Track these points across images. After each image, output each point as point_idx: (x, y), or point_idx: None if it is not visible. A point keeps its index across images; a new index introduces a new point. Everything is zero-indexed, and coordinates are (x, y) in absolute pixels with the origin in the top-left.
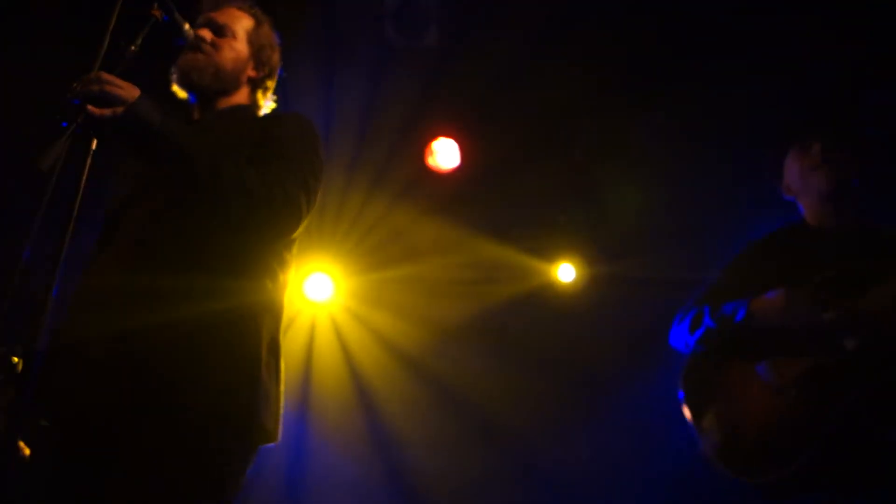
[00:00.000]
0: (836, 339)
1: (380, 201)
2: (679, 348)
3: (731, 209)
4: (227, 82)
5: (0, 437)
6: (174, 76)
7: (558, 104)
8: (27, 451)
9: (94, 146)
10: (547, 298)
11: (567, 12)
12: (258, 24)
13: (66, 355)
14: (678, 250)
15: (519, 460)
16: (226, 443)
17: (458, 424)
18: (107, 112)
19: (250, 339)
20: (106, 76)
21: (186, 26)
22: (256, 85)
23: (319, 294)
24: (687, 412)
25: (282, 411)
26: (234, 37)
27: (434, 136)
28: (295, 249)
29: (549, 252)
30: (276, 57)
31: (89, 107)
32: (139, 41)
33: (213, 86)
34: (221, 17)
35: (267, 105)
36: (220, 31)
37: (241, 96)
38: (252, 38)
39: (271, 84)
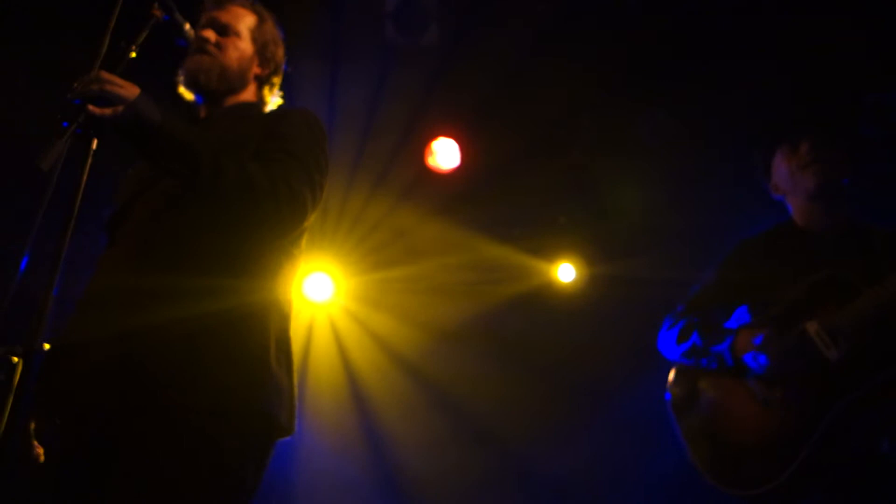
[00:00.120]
0: (819, 352)
1: (380, 201)
2: (666, 355)
3: (732, 209)
4: (234, 81)
5: (0, 437)
6: (181, 79)
7: (558, 104)
8: (41, 451)
9: (94, 146)
10: (547, 298)
11: (567, 12)
12: (261, 20)
13: (70, 355)
14: (679, 250)
15: (519, 462)
16: (239, 440)
17: (456, 426)
18: (107, 111)
19: (258, 335)
20: (106, 75)
21: (187, 26)
22: (263, 82)
23: (320, 294)
24: (674, 419)
25: (296, 405)
26: (237, 35)
27: (434, 136)
28: (303, 244)
29: (549, 252)
30: (280, 52)
31: (90, 106)
32: (140, 41)
33: (220, 86)
34: (224, 15)
35: (273, 101)
36: (224, 30)
37: (247, 94)
38: (256, 36)
39: (277, 80)
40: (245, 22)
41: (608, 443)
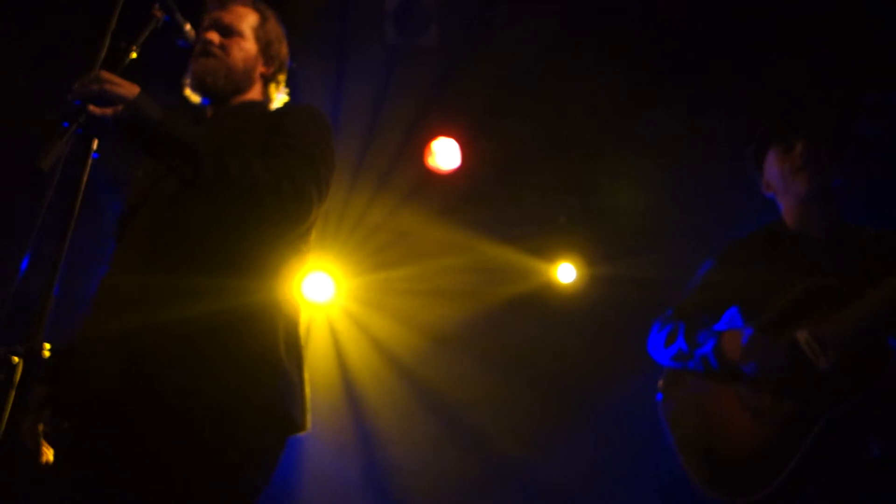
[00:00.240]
0: (809, 362)
1: (382, 202)
2: (656, 359)
3: (733, 209)
4: (240, 82)
5: (2, 436)
6: (188, 83)
7: (559, 104)
8: (51, 453)
9: (94, 146)
10: (547, 299)
11: (568, 12)
12: (264, 19)
13: (79, 354)
14: (679, 250)
15: (519, 464)
16: (247, 438)
17: (455, 428)
18: (107, 111)
19: (266, 332)
20: (105, 75)
21: (188, 26)
22: (268, 80)
23: (320, 295)
24: (665, 423)
25: (309, 400)
26: (241, 36)
27: (434, 137)
28: (312, 239)
29: (549, 252)
30: (284, 50)
31: (90, 106)
32: (140, 41)
33: (226, 87)
34: (227, 16)
35: (279, 98)
36: (227, 31)
37: (254, 93)
38: (259, 35)
39: (282, 77)
40: (248, 21)
41: (609, 442)
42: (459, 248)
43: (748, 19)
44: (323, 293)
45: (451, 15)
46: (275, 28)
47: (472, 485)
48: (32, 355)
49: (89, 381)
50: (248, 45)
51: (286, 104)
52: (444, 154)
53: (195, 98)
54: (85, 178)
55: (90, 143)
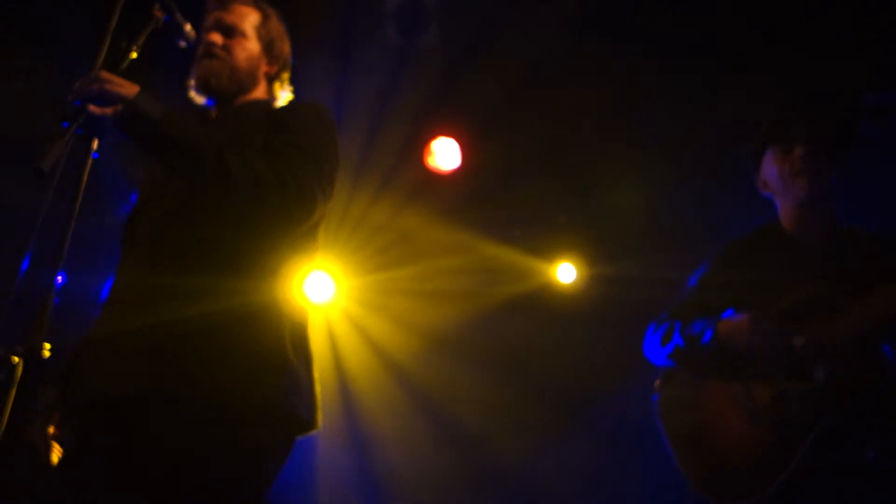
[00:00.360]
0: (806, 368)
1: (382, 202)
2: (652, 360)
3: (733, 209)
4: (244, 82)
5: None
6: (193, 85)
7: (559, 104)
8: (59, 452)
9: (94, 146)
10: (547, 299)
11: (567, 12)
12: (265, 17)
13: (88, 353)
14: (679, 250)
15: (519, 464)
16: (254, 437)
17: (455, 429)
18: (108, 110)
19: (270, 331)
20: (105, 75)
21: (188, 27)
22: (272, 78)
23: (320, 295)
24: (661, 424)
25: (319, 399)
26: (243, 35)
27: (435, 137)
28: (318, 236)
29: (549, 252)
30: (287, 48)
31: (90, 106)
32: (140, 41)
33: (231, 88)
34: (229, 16)
35: (283, 96)
36: (230, 31)
37: (258, 92)
38: (261, 34)
39: (286, 75)
40: (250, 21)
41: (608, 444)
42: (459, 248)
43: (748, 19)
44: (323, 293)
45: (451, 15)
46: (277, 26)
47: (472, 486)
48: (32, 355)
49: (94, 382)
50: (250, 45)
51: (291, 102)
52: (445, 154)
53: (199, 99)
54: (85, 178)
55: (90, 143)
